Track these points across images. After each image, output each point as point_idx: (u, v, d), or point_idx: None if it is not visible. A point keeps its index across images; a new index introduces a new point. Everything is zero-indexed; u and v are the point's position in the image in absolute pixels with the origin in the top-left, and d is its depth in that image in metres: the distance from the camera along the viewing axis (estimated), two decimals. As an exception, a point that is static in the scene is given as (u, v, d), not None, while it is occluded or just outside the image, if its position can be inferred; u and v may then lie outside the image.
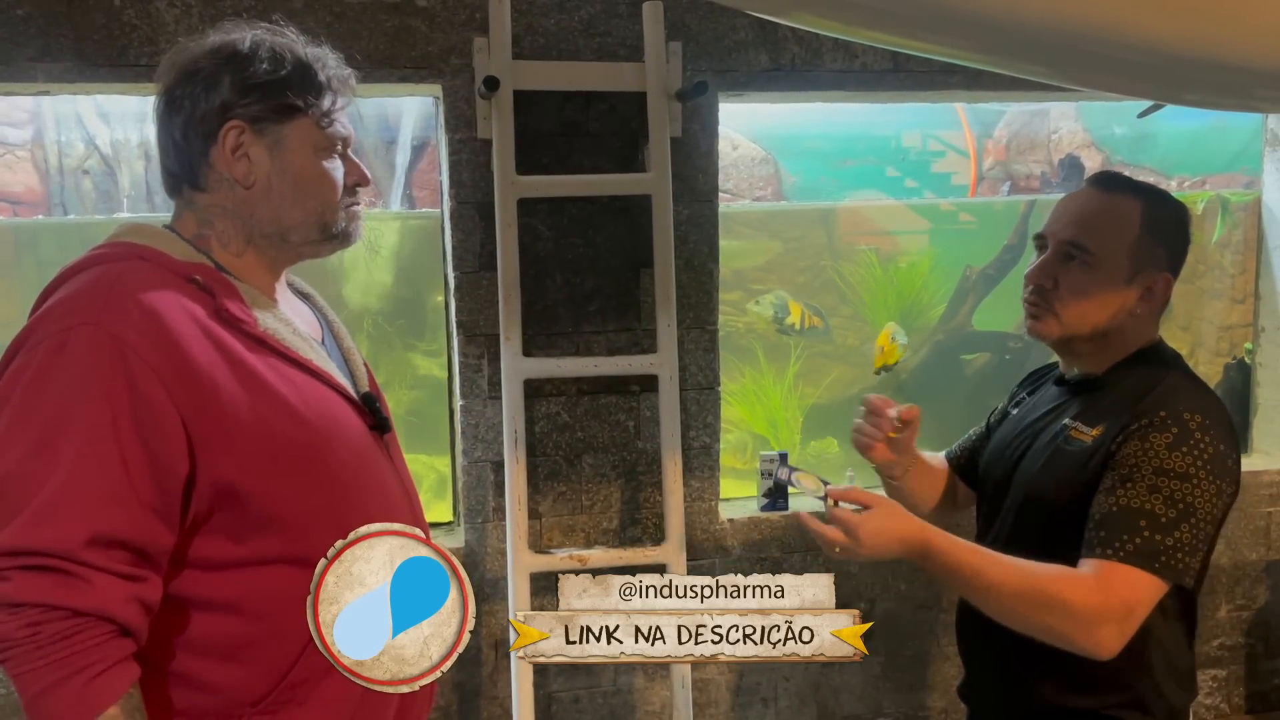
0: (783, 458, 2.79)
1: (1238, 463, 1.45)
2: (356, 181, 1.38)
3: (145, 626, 1.18)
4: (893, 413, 1.65)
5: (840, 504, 1.41)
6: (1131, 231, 1.50)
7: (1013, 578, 1.36)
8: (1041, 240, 1.57)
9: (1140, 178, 1.68)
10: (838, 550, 1.39)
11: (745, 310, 3.17)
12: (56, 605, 1.11)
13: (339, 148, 1.36)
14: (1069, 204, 1.57)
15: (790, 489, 1.60)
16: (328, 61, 1.35)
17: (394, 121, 3.12)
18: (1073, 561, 1.42)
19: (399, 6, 2.44)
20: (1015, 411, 1.73)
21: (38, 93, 2.38)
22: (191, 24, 2.32)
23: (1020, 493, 1.58)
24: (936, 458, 1.87)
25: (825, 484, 1.51)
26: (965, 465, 1.82)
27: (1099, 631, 1.34)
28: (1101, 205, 1.53)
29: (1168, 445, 1.38)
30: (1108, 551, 1.36)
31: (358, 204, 1.40)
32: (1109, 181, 1.57)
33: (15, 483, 1.13)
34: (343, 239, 1.38)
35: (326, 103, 1.33)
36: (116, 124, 3.04)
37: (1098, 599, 1.34)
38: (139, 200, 3.07)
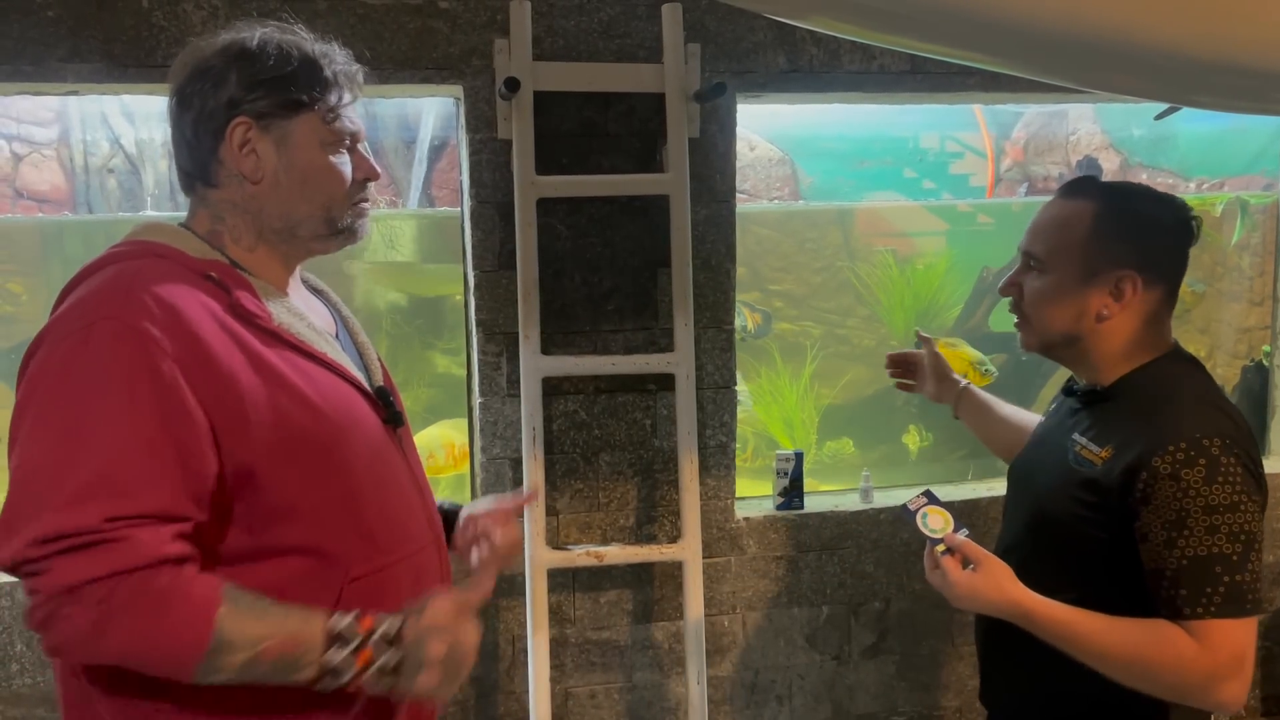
0: (798, 457, 2.82)
1: (1261, 467, 1.44)
2: (365, 176, 1.39)
3: (199, 557, 1.18)
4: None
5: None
6: (1078, 233, 1.50)
7: (1118, 646, 1.37)
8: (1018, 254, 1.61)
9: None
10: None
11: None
12: (110, 573, 1.11)
13: (347, 142, 1.37)
14: (1036, 215, 1.59)
15: (925, 525, 1.52)
16: (335, 57, 1.36)
17: (414, 122, 3.15)
18: (1088, 578, 1.44)
19: (421, 8, 2.47)
20: (1045, 420, 1.74)
21: (67, 93, 2.42)
22: (218, 25, 2.34)
23: (1034, 507, 1.59)
24: (1020, 413, 1.92)
25: (955, 527, 1.48)
26: None
27: (1220, 691, 1.35)
28: (1054, 212, 1.55)
29: (1204, 479, 1.35)
30: (1198, 610, 1.35)
31: (366, 200, 1.41)
32: (1069, 188, 1.57)
33: (43, 475, 1.14)
34: (349, 234, 1.39)
35: (333, 98, 1.34)
36: (141, 123, 3.08)
37: (1208, 661, 1.34)
38: (163, 199, 3.11)
